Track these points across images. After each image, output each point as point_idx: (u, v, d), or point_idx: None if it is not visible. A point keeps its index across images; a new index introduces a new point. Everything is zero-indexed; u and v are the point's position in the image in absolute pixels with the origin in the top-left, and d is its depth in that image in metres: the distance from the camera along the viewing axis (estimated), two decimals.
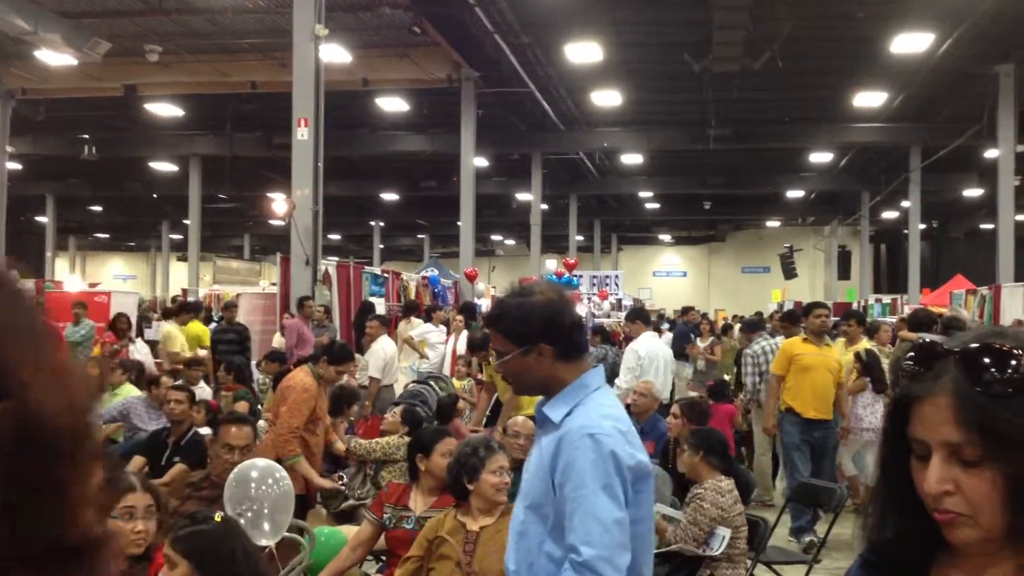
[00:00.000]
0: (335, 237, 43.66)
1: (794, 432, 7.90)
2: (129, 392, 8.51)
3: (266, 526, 4.22)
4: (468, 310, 13.71)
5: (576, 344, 2.53)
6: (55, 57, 16.86)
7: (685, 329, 16.01)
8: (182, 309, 13.54)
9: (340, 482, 6.20)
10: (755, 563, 5.40)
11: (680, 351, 14.11)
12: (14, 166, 24.59)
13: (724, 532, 4.85)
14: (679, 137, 24.75)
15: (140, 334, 15.44)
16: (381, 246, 43.82)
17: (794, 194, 34.23)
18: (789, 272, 35.98)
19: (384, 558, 4.85)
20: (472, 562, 3.84)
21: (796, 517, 7.67)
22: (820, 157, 27.60)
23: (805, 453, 7.84)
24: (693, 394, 11.04)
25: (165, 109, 22.45)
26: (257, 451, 5.91)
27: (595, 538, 2.27)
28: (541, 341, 2.46)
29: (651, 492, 2.49)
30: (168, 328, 12.06)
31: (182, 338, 12.18)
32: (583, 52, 17.25)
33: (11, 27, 15.09)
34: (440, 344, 12.48)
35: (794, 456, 7.85)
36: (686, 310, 16.98)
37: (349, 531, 5.02)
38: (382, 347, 10.59)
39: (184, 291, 27.49)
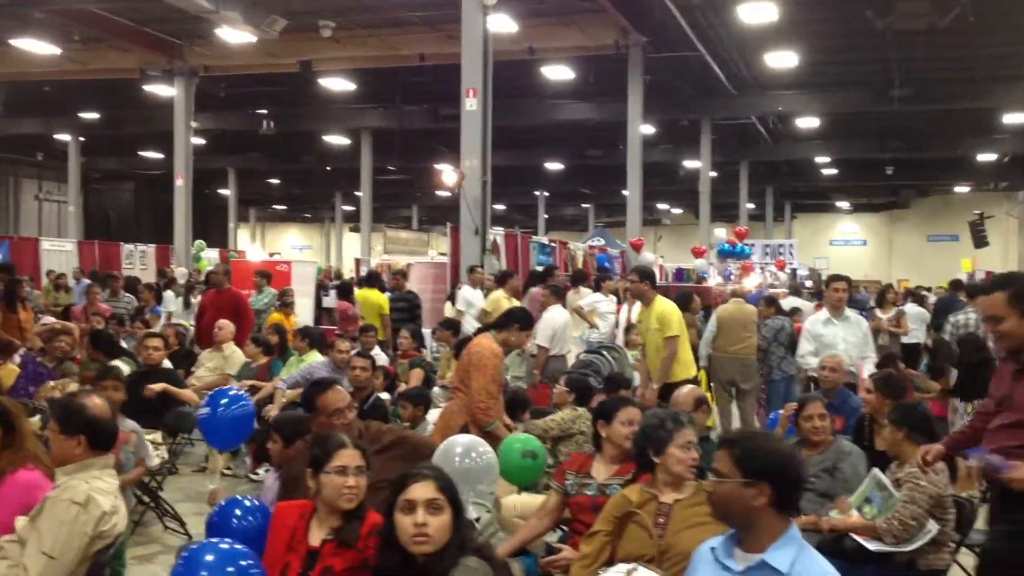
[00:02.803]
0: (500, 207, 44.04)
1: None
2: (313, 358, 8.73)
3: (472, 498, 4.24)
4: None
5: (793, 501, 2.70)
6: (235, 35, 17.48)
7: (951, 300, 14.79)
8: (368, 279, 13.85)
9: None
10: (959, 546, 5.03)
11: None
12: (198, 141, 25.79)
13: (933, 527, 4.53)
14: (859, 99, 23.66)
15: (318, 303, 15.95)
16: (545, 216, 43.91)
17: (985, 157, 32.27)
18: (980, 240, 33.96)
19: (564, 528, 4.78)
20: (664, 535, 3.70)
21: None
22: (1014, 118, 25.80)
23: None
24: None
25: (338, 84, 23.03)
26: (443, 417, 5.94)
27: None
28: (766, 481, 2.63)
29: None
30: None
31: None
32: (757, 12, 16.59)
33: (194, 6, 15.72)
34: (610, 314, 12.30)
35: None
36: (957, 283, 15.70)
37: (534, 500, 4.99)
38: (552, 316, 10.50)
39: (357, 261, 28.32)
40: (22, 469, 3.88)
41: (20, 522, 3.60)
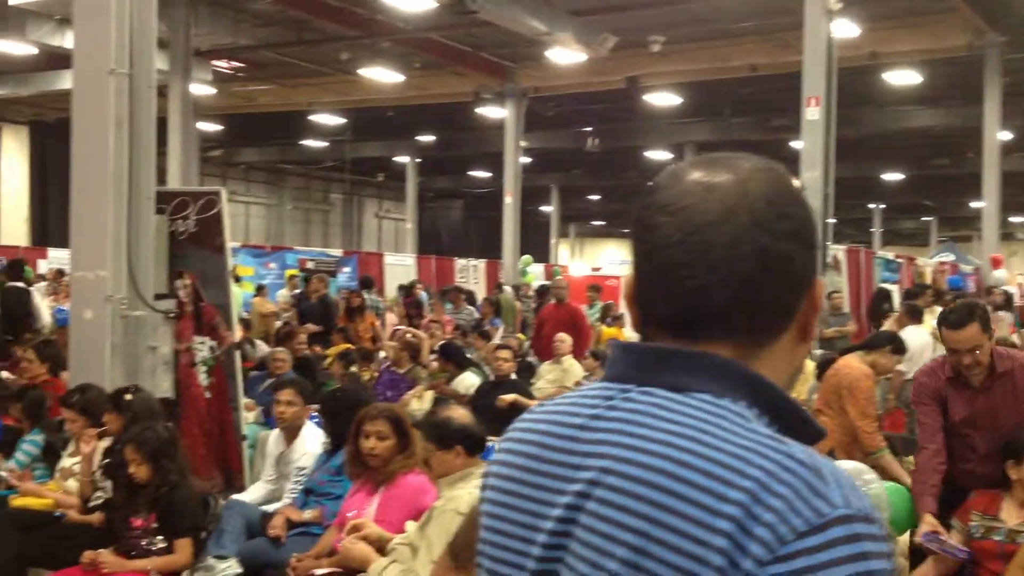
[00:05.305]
0: (829, 220, 41.95)
1: None
2: None
3: None
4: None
5: None
6: (565, 55, 17.76)
7: None
8: None
9: None
10: None
11: None
12: (525, 160, 26.58)
13: None
14: None
15: None
16: (880, 229, 41.42)
17: None
18: None
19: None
20: None
21: None
22: None
23: None
24: None
25: (663, 98, 22.83)
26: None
27: None
28: None
29: None
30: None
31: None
32: None
33: (529, 29, 16.10)
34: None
35: None
36: None
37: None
38: (908, 338, 9.65)
39: None
40: (412, 472, 4.31)
41: (410, 526, 3.85)
